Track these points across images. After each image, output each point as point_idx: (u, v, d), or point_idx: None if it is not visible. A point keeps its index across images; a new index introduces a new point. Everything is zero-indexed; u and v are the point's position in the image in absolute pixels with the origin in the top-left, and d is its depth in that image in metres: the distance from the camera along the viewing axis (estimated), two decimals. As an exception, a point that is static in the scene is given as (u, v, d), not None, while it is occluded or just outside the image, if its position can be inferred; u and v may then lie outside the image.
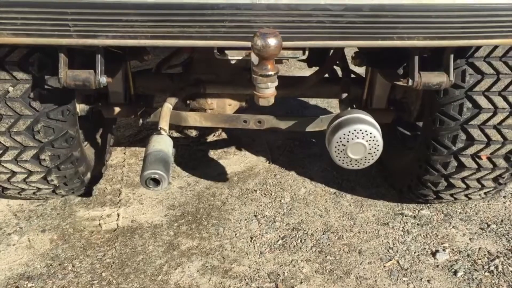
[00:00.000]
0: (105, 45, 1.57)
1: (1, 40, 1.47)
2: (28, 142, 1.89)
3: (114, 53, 1.94)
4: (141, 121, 2.27)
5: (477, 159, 1.95)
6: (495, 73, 1.78)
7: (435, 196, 2.19)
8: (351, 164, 1.77)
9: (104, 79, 1.68)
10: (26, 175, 2.02)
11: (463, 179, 2.04)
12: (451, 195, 2.17)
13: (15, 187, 2.11)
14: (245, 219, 2.29)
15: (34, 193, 2.18)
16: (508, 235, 2.18)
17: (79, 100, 2.20)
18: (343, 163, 1.78)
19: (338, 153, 1.74)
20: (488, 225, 2.24)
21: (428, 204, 2.39)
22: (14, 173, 2.01)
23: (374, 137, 1.72)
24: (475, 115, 1.85)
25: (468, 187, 2.08)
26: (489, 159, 1.94)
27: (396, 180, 2.41)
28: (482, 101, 1.82)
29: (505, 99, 1.80)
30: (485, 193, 2.16)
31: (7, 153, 1.91)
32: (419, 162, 2.10)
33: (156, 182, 1.63)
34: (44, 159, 1.95)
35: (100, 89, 1.83)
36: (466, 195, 2.17)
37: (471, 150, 1.93)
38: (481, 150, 1.92)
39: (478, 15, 1.40)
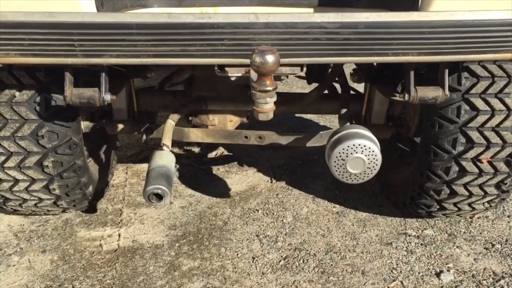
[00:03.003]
0: (109, 63, 1.66)
1: (9, 60, 1.56)
2: (32, 148, 1.96)
3: (118, 71, 2.03)
4: (144, 137, 2.36)
5: (478, 163, 2.00)
6: (490, 76, 1.86)
7: (438, 207, 2.22)
8: (350, 178, 1.83)
9: (108, 97, 1.76)
10: (28, 183, 2.08)
11: (465, 186, 2.08)
12: (455, 204, 2.19)
13: (16, 197, 2.16)
14: (247, 239, 2.32)
15: (35, 204, 2.22)
16: (513, 255, 2.19)
17: (84, 117, 2.28)
18: (342, 177, 1.84)
19: (338, 168, 1.81)
20: (493, 245, 2.26)
21: (432, 223, 2.41)
22: (16, 181, 2.06)
23: (373, 151, 1.78)
24: (473, 118, 1.91)
25: (471, 194, 2.11)
26: (489, 163, 1.99)
27: (398, 195, 2.44)
28: (479, 103, 1.89)
29: (502, 101, 1.87)
30: (488, 202, 2.18)
31: (11, 159, 1.98)
32: (420, 170, 2.14)
33: (159, 197, 1.69)
34: (47, 166, 2.02)
35: (104, 106, 1.91)
36: (469, 204, 2.19)
37: (471, 153, 1.98)
38: (481, 153, 1.97)
39: (470, 31, 1.49)
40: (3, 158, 1.97)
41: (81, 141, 2.15)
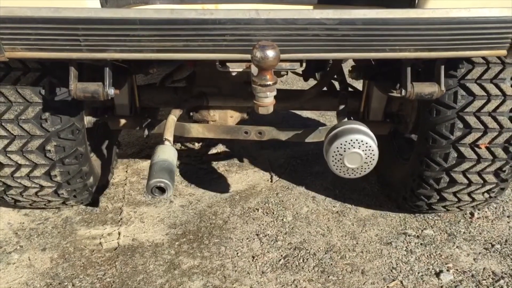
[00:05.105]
0: (113, 58, 1.72)
1: (15, 54, 1.63)
2: (35, 131, 2.00)
3: (120, 67, 2.10)
4: (146, 132, 2.43)
5: (476, 149, 2.05)
6: (485, 62, 1.93)
7: (438, 197, 2.27)
8: (347, 173, 1.89)
9: (112, 91, 1.83)
10: (30, 168, 2.12)
11: (464, 173, 2.13)
12: (454, 194, 2.24)
13: (18, 185, 2.20)
14: (247, 238, 2.37)
15: (36, 193, 2.26)
16: (513, 255, 2.24)
17: (87, 112, 2.34)
18: (340, 172, 1.91)
19: (335, 162, 1.88)
20: (493, 245, 2.31)
21: (432, 223, 2.47)
22: (18, 166, 2.10)
23: (370, 146, 1.85)
24: (469, 103, 1.97)
25: (470, 182, 2.16)
26: (487, 148, 2.04)
27: (397, 189, 2.49)
28: (475, 89, 1.96)
29: (497, 86, 1.94)
30: (488, 191, 2.23)
31: (14, 143, 2.02)
32: (419, 158, 2.19)
33: (162, 190, 1.76)
34: (50, 150, 2.07)
35: (107, 102, 1.98)
36: (469, 194, 2.23)
37: (469, 138, 2.03)
38: (479, 138, 2.03)
39: (466, 28, 1.56)
40: (6, 141, 2.02)
41: (84, 128, 2.20)
